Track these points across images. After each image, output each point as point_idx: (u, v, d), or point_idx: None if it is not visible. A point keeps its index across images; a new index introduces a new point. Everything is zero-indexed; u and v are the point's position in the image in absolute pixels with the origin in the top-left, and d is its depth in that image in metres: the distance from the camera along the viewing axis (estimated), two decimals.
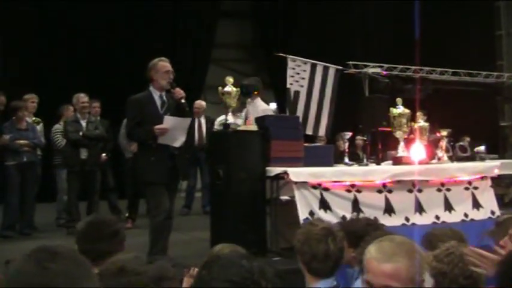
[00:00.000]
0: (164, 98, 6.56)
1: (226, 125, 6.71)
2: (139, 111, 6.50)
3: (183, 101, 6.50)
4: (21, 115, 8.83)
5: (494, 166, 7.67)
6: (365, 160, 8.05)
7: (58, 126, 9.59)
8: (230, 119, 6.67)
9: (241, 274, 2.09)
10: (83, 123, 9.08)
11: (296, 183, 6.24)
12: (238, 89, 6.74)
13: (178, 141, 6.51)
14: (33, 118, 9.54)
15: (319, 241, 3.30)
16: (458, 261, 3.03)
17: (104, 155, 9.53)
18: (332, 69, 9.39)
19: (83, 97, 9.08)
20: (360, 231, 3.78)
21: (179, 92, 6.48)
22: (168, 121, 6.36)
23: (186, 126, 6.55)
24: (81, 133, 8.93)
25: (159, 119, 6.40)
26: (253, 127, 6.68)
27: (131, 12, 13.27)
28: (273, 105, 9.05)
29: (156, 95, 6.53)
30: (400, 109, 7.34)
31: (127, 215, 9.80)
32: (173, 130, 6.40)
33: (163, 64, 6.54)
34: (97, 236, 3.32)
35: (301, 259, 3.43)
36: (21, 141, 8.77)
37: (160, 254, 6.38)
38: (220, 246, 3.39)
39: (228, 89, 6.65)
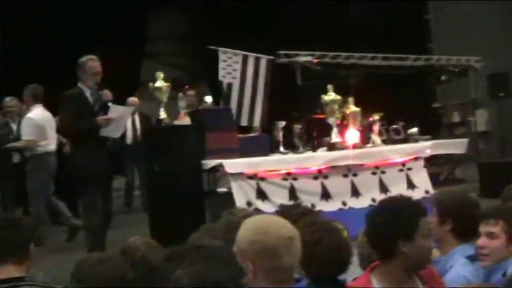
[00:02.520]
0: (96, 95, 6.52)
1: (159, 120, 6.68)
2: (75, 107, 6.46)
3: (110, 104, 6.47)
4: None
5: (426, 146, 7.86)
6: (301, 148, 8.12)
7: None
8: (163, 114, 6.63)
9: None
10: (14, 126, 8.88)
11: (232, 174, 6.27)
12: (169, 84, 6.71)
13: (119, 132, 6.56)
14: None
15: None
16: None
17: None
18: (263, 59, 9.43)
19: (8, 101, 8.88)
20: (293, 220, 3.81)
21: (106, 95, 6.48)
22: (114, 110, 6.36)
23: (128, 116, 6.59)
24: (11, 136, 8.73)
25: (93, 115, 6.39)
26: (187, 121, 6.67)
27: (60, 9, 13.04)
28: (208, 99, 9.03)
29: (87, 92, 6.50)
30: (331, 96, 7.42)
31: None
32: (116, 121, 6.41)
33: (92, 64, 6.49)
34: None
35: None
36: None
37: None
38: (133, 239, 3.45)
39: (158, 84, 6.61)
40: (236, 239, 2.69)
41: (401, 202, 3.18)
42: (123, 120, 6.59)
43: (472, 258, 3.52)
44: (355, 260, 3.36)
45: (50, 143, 8.25)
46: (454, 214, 3.63)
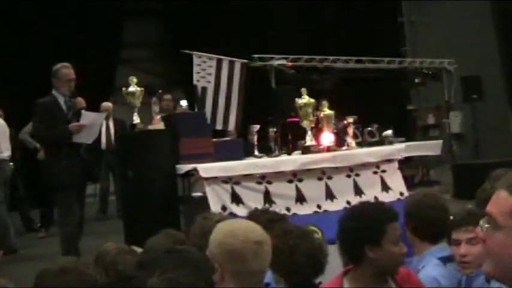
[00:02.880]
0: (69, 103, 6.56)
1: (132, 125, 6.65)
2: (47, 115, 6.51)
3: (83, 111, 6.50)
4: None
5: (400, 149, 7.87)
6: (277, 151, 8.12)
7: None
8: (136, 119, 6.60)
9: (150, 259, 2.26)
10: None
11: (207, 179, 6.23)
12: (142, 88, 6.68)
13: (92, 138, 6.57)
14: None
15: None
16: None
17: (11, 164, 9.25)
18: (238, 63, 9.42)
19: None
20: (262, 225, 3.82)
21: (80, 102, 6.54)
22: (87, 116, 6.39)
23: (100, 123, 6.61)
24: None
25: (66, 122, 6.45)
26: (161, 126, 6.64)
27: (35, 14, 12.92)
28: (184, 103, 9.02)
29: (61, 100, 6.61)
30: (305, 99, 7.42)
31: (39, 224, 9.57)
32: (89, 127, 6.44)
33: (65, 72, 6.57)
34: None
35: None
36: None
37: None
38: (106, 244, 3.52)
39: (132, 89, 6.58)
40: (210, 239, 2.74)
41: (369, 208, 3.23)
42: (95, 127, 6.61)
43: (444, 260, 3.54)
44: (330, 261, 3.38)
45: (4, 151, 8.18)
46: (416, 217, 3.68)
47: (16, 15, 12.65)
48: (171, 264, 2.28)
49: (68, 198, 6.58)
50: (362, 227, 3.04)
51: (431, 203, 3.80)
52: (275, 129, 9.10)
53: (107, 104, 10.73)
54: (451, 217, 3.56)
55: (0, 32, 12.45)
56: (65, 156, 6.50)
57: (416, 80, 14.00)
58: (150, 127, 6.65)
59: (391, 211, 3.18)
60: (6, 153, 8.23)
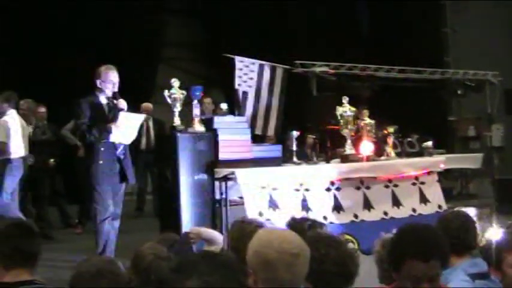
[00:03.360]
0: (111, 104, 6.71)
1: (173, 127, 6.68)
2: (89, 113, 6.59)
3: (121, 112, 6.58)
4: None
5: (440, 161, 7.80)
6: (314, 159, 8.10)
7: None
8: (177, 120, 6.64)
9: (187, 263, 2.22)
10: (30, 128, 8.94)
11: (244, 183, 6.24)
12: (184, 92, 6.71)
13: (130, 138, 6.62)
14: None
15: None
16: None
17: (52, 160, 9.39)
18: (279, 69, 9.44)
19: (21, 104, 8.94)
20: (302, 231, 3.82)
21: (122, 104, 6.59)
22: (124, 117, 6.45)
23: (139, 123, 6.67)
24: None
25: (106, 123, 6.53)
26: (201, 128, 6.66)
27: (78, 14, 13.08)
28: (224, 106, 9.04)
29: (103, 100, 6.70)
30: (346, 107, 7.39)
31: (77, 220, 9.69)
32: (127, 127, 6.49)
33: (109, 73, 6.67)
34: (8, 236, 3.31)
35: (236, 256, 3.50)
36: None
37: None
38: (144, 247, 3.55)
39: (173, 91, 6.62)
40: (249, 246, 2.73)
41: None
42: (134, 128, 6.65)
43: (474, 277, 3.54)
44: (361, 271, 3.36)
45: (22, 149, 8.29)
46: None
47: (58, 15, 12.82)
48: (207, 268, 2.29)
49: (102, 195, 6.69)
50: None
51: (453, 216, 3.95)
52: (314, 136, 9.07)
53: (147, 105, 10.80)
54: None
55: (45, 30, 12.63)
56: (101, 155, 6.60)
57: (459, 91, 13.83)
58: (190, 129, 6.67)
59: None
60: (24, 152, 8.32)
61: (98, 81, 6.68)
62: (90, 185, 6.74)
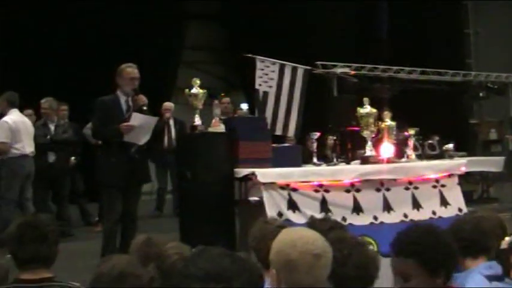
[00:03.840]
0: (130, 103, 6.76)
1: (193, 127, 6.70)
2: (105, 113, 6.69)
3: (144, 108, 6.62)
4: None
5: (461, 164, 7.75)
6: (334, 160, 8.08)
7: None
8: (197, 120, 6.66)
9: (217, 269, 2.13)
10: (52, 126, 9.01)
11: (264, 184, 6.23)
12: (205, 90, 6.73)
13: (143, 139, 6.63)
14: None
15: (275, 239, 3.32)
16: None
17: (73, 158, 9.46)
18: (300, 69, 9.40)
19: (43, 103, 9.01)
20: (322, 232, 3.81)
21: (141, 99, 6.66)
22: (136, 118, 6.50)
23: (152, 126, 6.68)
24: (48, 137, 8.86)
25: (122, 122, 6.57)
26: (221, 128, 6.67)
27: (99, 15, 13.14)
28: (244, 106, 9.03)
29: (122, 99, 6.74)
30: (367, 109, 7.36)
31: (97, 218, 9.73)
32: (140, 128, 6.51)
33: (129, 71, 6.71)
34: (27, 238, 3.31)
35: (257, 255, 3.51)
36: None
37: None
38: (169, 247, 3.57)
39: (194, 90, 6.64)
40: (272, 245, 2.75)
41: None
42: (147, 129, 6.66)
43: (491, 278, 3.54)
44: (380, 273, 3.34)
45: (25, 146, 8.37)
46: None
47: (81, 14, 12.88)
48: (235, 273, 2.26)
49: (111, 195, 6.75)
50: None
51: (466, 219, 3.96)
52: (334, 137, 9.04)
53: (169, 104, 10.85)
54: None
55: (68, 29, 12.72)
56: (114, 154, 6.64)
57: (481, 94, 13.73)
58: (210, 129, 6.68)
59: None
60: (28, 149, 8.43)
61: (118, 79, 6.73)
62: (100, 184, 6.82)
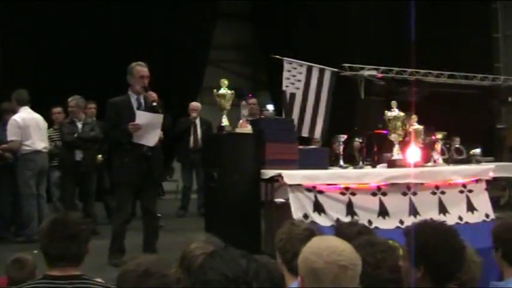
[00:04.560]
0: (141, 100, 6.79)
1: (221, 127, 6.72)
2: (116, 114, 6.77)
3: (154, 104, 6.63)
4: (8, 118, 8.81)
5: (489, 169, 7.66)
6: (361, 163, 8.05)
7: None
8: (225, 121, 6.67)
9: (236, 272, 2.11)
10: (79, 124, 9.09)
11: (290, 185, 6.22)
12: (233, 91, 6.74)
13: (152, 139, 6.67)
14: None
15: (302, 241, 3.29)
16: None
17: (99, 156, 9.52)
18: (328, 71, 9.40)
19: (70, 101, 9.09)
20: (348, 238, 3.79)
21: (151, 96, 6.67)
22: (141, 116, 6.53)
23: (159, 123, 6.68)
24: (75, 135, 8.93)
25: (134, 121, 6.59)
26: (248, 129, 6.68)
27: (128, 14, 13.22)
28: (270, 107, 9.04)
29: (133, 98, 6.80)
30: (395, 112, 7.33)
31: None
32: (146, 127, 6.55)
33: (139, 69, 6.75)
34: (58, 235, 3.33)
35: (282, 257, 3.51)
36: None
37: (118, 255, 6.69)
38: (193, 246, 3.51)
39: (222, 91, 6.66)
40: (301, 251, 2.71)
41: None
42: (154, 128, 6.68)
43: None
44: None
45: (36, 142, 8.50)
46: (506, 242, 3.63)
47: (109, 16, 12.96)
48: (235, 269, 2.26)
49: (123, 195, 6.82)
50: None
51: (507, 226, 3.77)
52: (361, 140, 9.00)
53: (196, 104, 10.88)
54: None
55: (99, 29, 12.80)
56: (128, 153, 6.69)
57: (510, 99, 13.59)
58: (238, 130, 6.70)
59: None
60: (40, 145, 8.58)
61: (128, 77, 6.78)
62: (114, 182, 6.89)
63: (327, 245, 2.66)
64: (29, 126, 8.53)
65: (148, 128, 6.61)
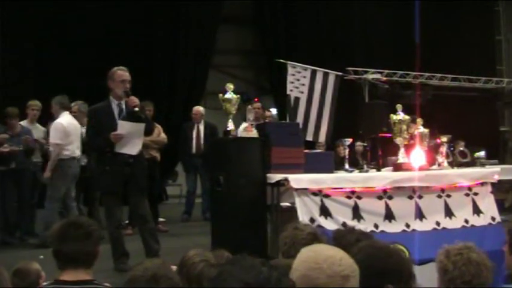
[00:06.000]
0: (122, 106, 6.78)
1: (226, 131, 6.72)
2: (97, 122, 6.77)
3: (136, 109, 6.61)
4: (13, 123, 8.78)
5: (494, 172, 7.65)
6: (365, 166, 8.05)
7: None
8: (230, 125, 6.68)
9: (259, 279, 2.09)
10: (83, 129, 9.09)
11: (297, 189, 6.21)
12: (239, 95, 6.75)
13: (135, 148, 6.67)
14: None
15: (306, 245, 3.28)
16: (462, 264, 3.05)
17: None
18: (332, 75, 9.40)
19: (72, 106, 9.09)
20: (349, 244, 3.77)
21: (132, 101, 6.67)
22: (123, 126, 6.53)
23: (141, 132, 6.69)
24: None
25: (115, 128, 6.60)
26: (254, 134, 6.68)
27: (131, 18, 13.23)
28: (273, 111, 9.07)
29: (114, 103, 6.80)
30: (400, 115, 7.33)
31: (127, 221, 9.79)
32: (129, 136, 6.54)
33: (120, 73, 6.76)
34: (72, 236, 3.34)
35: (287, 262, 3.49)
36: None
37: (124, 259, 6.77)
38: (192, 253, 3.49)
39: (228, 95, 6.66)
40: (292, 266, 2.59)
41: None
42: (136, 137, 6.69)
43: None
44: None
45: (75, 149, 8.48)
46: None
47: (113, 21, 12.96)
48: (257, 276, 2.25)
49: (108, 202, 6.88)
50: None
51: None
52: (365, 144, 9.01)
53: (198, 108, 10.86)
54: None
55: (105, 36, 12.81)
56: (109, 161, 6.70)
57: None
58: (243, 134, 6.70)
59: None
60: (77, 152, 8.53)
61: (109, 82, 6.79)
62: (98, 191, 6.91)
63: (324, 257, 2.55)
64: (71, 131, 8.49)
65: (131, 137, 6.62)
